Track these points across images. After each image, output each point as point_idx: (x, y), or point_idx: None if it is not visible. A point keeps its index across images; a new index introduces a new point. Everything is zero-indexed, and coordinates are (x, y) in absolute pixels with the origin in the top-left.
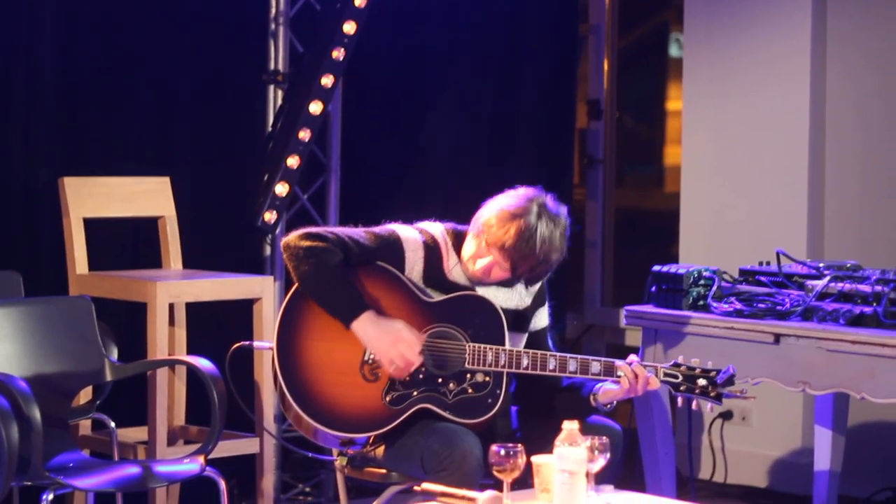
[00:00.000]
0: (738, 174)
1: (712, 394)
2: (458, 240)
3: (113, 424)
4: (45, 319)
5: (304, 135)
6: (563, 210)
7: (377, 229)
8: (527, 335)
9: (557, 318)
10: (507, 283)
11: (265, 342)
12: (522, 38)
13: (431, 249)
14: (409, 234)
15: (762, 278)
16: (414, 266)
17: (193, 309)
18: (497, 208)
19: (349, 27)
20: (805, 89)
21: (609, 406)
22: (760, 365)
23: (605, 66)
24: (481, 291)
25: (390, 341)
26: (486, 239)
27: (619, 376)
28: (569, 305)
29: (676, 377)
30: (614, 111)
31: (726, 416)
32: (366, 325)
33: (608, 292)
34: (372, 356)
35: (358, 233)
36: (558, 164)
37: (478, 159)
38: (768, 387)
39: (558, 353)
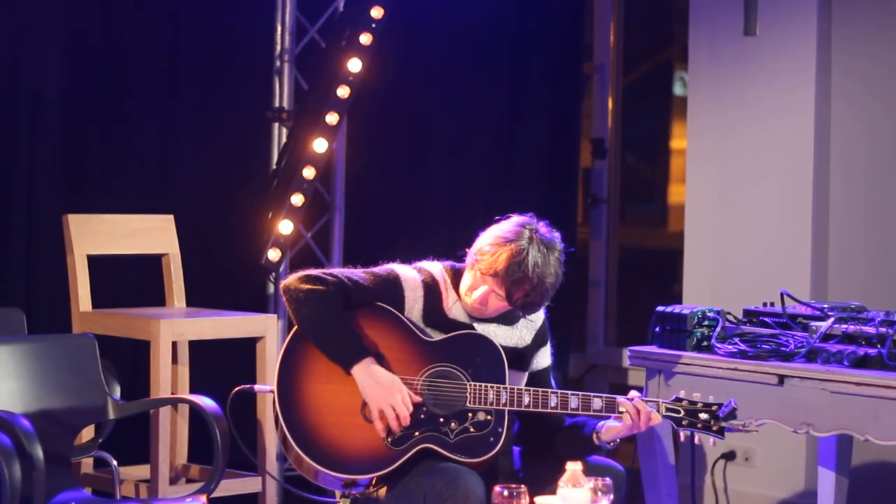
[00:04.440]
0: (741, 214)
1: (714, 428)
2: (456, 277)
3: (115, 463)
4: (47, 357)
5: (309, 173)
6: (557, 235)
7: (377, 270)
8: (527, 374)
9: (560, 357)
10: (507, 321)
11: (266, 385)
12: (526, 76)
13: (430, 288)
14: (409, 273)
15: (766, 319)
16: (414, 305)
17: (197, 347)
18: (489, 236)
19: (354, 65)
20: (809, 129)
21: (612, 444)
22: (764, 406)
23: (610, 105)
24: (481, 329)
25: (386, 393)
26: (479, 268)
27: (621, 412)
28: (572, 345)
29: (678, 412)
30: (618, 150)
31: (729, 456)
32: (366, 372)
33: (611, 331)
34: None
35: (358, 273)
36: (562, 203)
37: (481, 197)
38: (772, 427)
39: (560, 391)
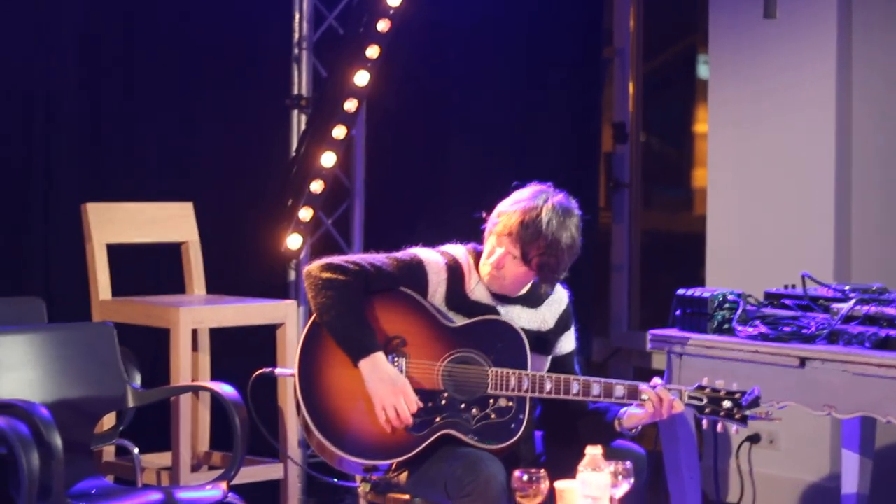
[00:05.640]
0: (763, 197)
1: (737, 416)
2: (479, 259)
3: (136, 450)
4: (67, 346)
5: (328, 159)
6: (574, 202)
7: (399, 254)
8: (550, 358)
9: (583, 341)
10: (530, 303)
11: (287, 369)
12: (546, 61)
13: (453, 271)
14: (432, 257)
15: (787, 301)
16: (437, 289)
17: (217, 334)
18: (506, 201)
19: (372, 51)
20: (831, 112)
21: (634, 431)
22: (785, 389)
23: (631, 89)
24: (504, 312)
25: (392, 393)
26: (496, 231)
27: (643, 400)
28: (595, 329)
29: (701, 400)
30: (640, 134)
31: (754, 439)
32: (374, 368)
33: (635, 316)
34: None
35: (380, 259)
36: (584, 188)
37: (502, 182)
38: (796, 410)
39: (582, 377)
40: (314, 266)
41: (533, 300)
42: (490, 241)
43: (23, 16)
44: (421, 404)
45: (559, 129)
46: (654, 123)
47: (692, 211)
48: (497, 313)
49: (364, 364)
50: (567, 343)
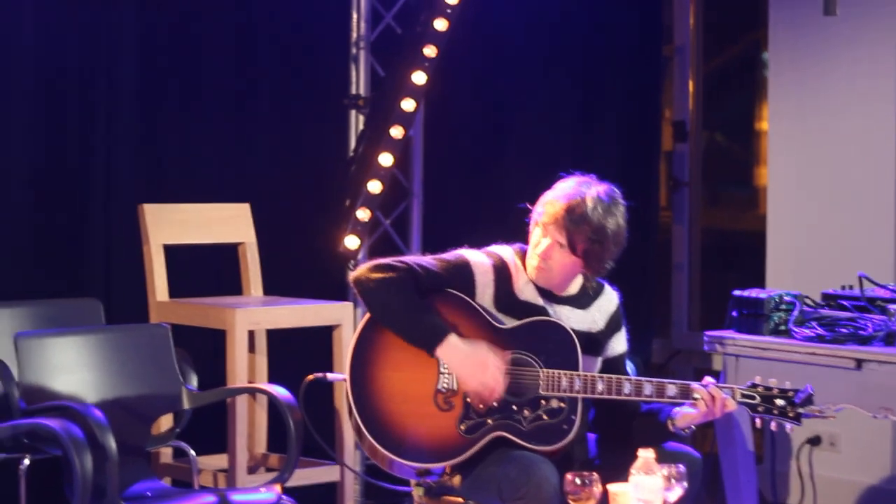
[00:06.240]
0: (822, 196)
1: (791, 414)
2: (525, 257)
3: (193, 453)
4: (123, 347)
5: (386, 159)
6: (618, 191)
7: (446, 256)
8: (601, 360)
9: (643, 342)
10: (580, 304)
11: (339, 374)
12: (605, 60)
13: (501, 271)
14: (479, 258)
15: (844, 302)
16: (485, 291)
17: (275, 335)
18: (551, 192)
19: (430, 51)
20: (890, 109)
21: (687, 430)
22: (842, 391)
23: (691, 87)
24: (553, 313)
25: (477, 368)
26: (541, 221)
27: (695, 399)
28: (655, 330)
29: (754, 398)
30: (700, 132)
31: (814, 441)
32: (452, 350)
33: (695, 316)
34: (446, 385)
35: (427, 260)
36: (644, 187)
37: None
38: (856, 412)
39: (633, 377)
40: (361, 270)
41: (582, 301)
42: (536, 232)
43: (83, 19)
44: (508, 359)
45: (618, 127)
46: (718, 121)
47: (757, 209)
48: (546, 314)
49: (442, 350)
50: (618, 344)
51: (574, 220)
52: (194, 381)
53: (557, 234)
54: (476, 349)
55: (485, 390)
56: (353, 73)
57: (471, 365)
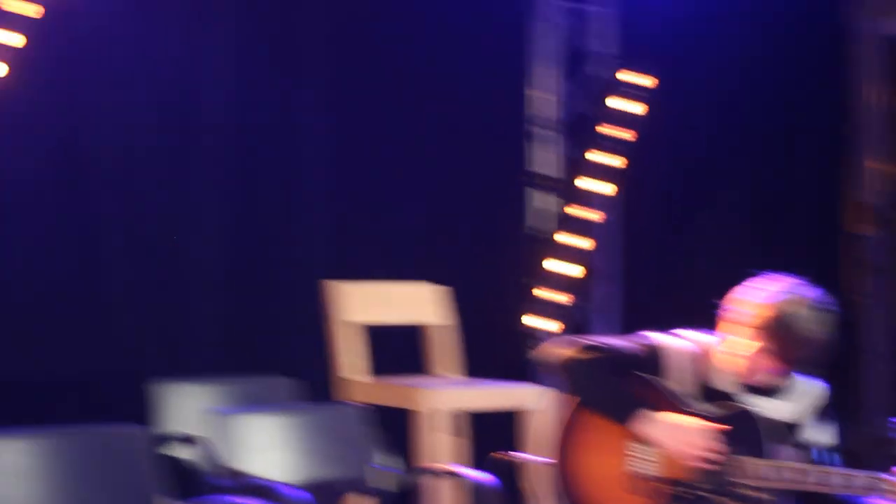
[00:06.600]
0: None
1: None
2: (720, 345)
3: None
4: (310, 427)
5: (568, 239)
6: (825, 294)
7: (637, 338)
8: (797, 449)
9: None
10: (779, 394)
11: (525, 454)
12: (793, 142)
13: (695, 358)
14: (671, 343)
15: None
16: (676, 376)
17: (474, 416)
18: (757, 292)
19: (626, 135)
20: None
21: None
22: None
23: (884, 168)
24: (750, 402)
25: (681, 433)
26: (746, 322)
27: (884, 490)
28: (849, 417)
29: None
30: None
31: None
32: (649, 423)
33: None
34: (640, 468)
35: (619, 342)
36: (835, 269)
37: (749, 263)
38: None
39: (818, 467)
40: (562, 351)
41: (782, 391)
42: (737, 331)
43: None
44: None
45: (806, 208)
46: None
47: None
48: (742, 403)
49: (640, 423)
50: (820, 435)
51: (785, 330)
52: (387, 461)
53: (764, 341)
54: (673, 417)
55: (700, 453)
56: (539, 153)
57: (675, 432)
